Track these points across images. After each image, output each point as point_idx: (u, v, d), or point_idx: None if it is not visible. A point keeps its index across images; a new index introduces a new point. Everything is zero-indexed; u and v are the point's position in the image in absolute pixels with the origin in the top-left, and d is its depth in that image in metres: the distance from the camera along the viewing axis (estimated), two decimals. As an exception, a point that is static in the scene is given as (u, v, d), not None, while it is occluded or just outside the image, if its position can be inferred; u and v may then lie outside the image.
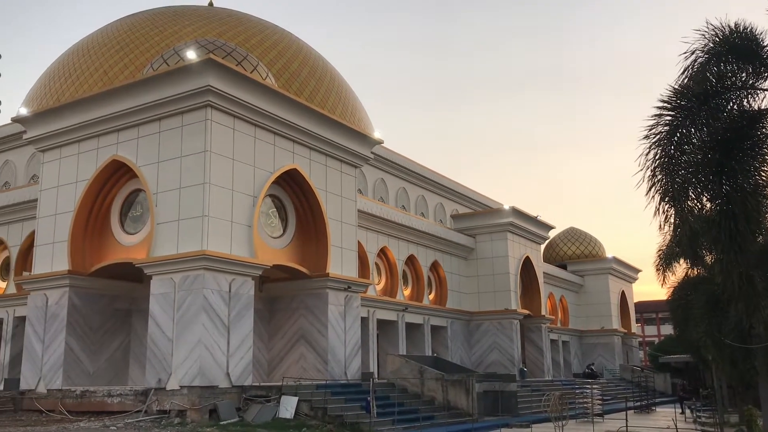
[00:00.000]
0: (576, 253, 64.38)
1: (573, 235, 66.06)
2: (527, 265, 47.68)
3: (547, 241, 56.24)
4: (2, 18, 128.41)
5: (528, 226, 47.77)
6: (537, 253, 49.88)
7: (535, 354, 48.50)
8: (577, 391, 35.39)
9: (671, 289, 26.57)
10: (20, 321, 30.56)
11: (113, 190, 27.47)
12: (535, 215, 49.02)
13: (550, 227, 51.52)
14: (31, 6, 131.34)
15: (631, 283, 70.44)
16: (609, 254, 64.59)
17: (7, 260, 33.63)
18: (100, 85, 35.17)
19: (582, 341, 62.82)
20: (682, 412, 34.16)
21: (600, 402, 32.04)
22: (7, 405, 26.54)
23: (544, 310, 49.70)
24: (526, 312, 46.33)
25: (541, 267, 50.31)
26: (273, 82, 29.84)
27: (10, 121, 34.78)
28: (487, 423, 26.53)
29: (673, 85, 12.90)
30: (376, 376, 33.01)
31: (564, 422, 24.32)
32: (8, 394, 27.00)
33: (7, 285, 33.22)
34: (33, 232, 29.74)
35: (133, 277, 27.03)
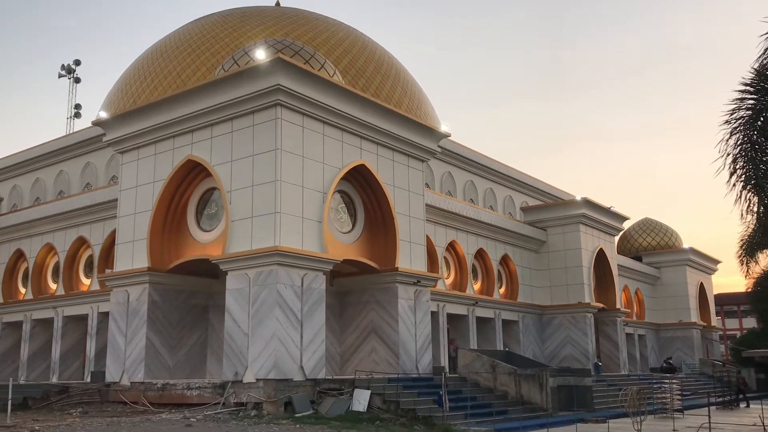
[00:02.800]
0: (651, 245, 62.53)
1: (648, 226, 64.18)
2: (601, 258, 46.61)
3: (621, 233, 54.81)
4: (81, 26, 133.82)
5: (601, 217, 46.68)
6: (611, 245, 48.69)
7: (610, 348, 47.39)
8: (655, 386, 34.37)
9: (754, 281, 25.51)
10: (104, 316, 31.87)
11: (189, 189, 28.28)
12: (609, 206, 47.85)
13: (624, 218, 50.20)
14: (107, 13, 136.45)
15: (710, 274, 67.90)
16: (686, 245, 62.42)
17: (90, 258, 35.13)
18: (173, 87, 36.28)
19: (659, 335, 61.02)
20: (747, 406, 32.98)
21: (679, 397, 31.02)
22: (94, 396, 27.77)
23: (619, 303, 48.47)
24: (600, 305, 45.30)
25: (615, 259, 49.09)
26: (340, 79, 30.10)
27: (90, 125, 36.33)
28: (562, 418, 26.09)
29: (754, 66, 12.32)
30: (447, 370, 32.95)
31: (642, 418, 23.69)
32: (95, 386, 28.25)
33: (91, 282, 34.69)
34: (114, 231, 30.92)
35: (209, 273, 27.80)
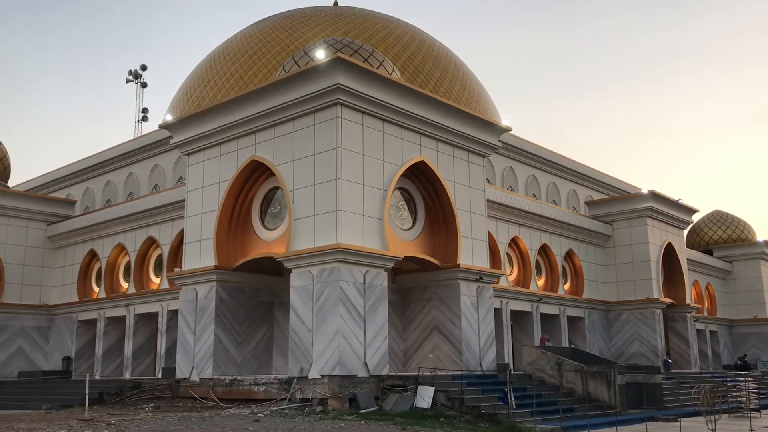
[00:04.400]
0: (723, 238, 60.42)
1: (719, 218, 62.02)
2: (669, 252, 45.31)
3: (690, 226, 53.17)
4: (147, 32, 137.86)
5: (669, 210, 45.36)
6: (680, 239, 47.28)
7: (680, 345, 46.03)
8: (729, 384, 33.22)
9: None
10: (173, 314, 32.78)
11: (253, 188, 28.79)
12: (677, 199, 46.46)
13: (693, 211, 48.66)
14: (171, 19, 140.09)
15: (787, 268, 65.15)
16: (760, 238, 60.06)
17: (159, 258, 36.18)
18: (236, 89, 37.00)
19: (732, 331, 58.92)
20: None
21: (756, 396, 29.88)
22: (165, 392, 28.61)
23: (689, 298, 47.02)
24: (669, 301, 44.04)
25: (684, 253, 47.63)
26: (399, 76, 30.11)
27: (157, 128, 37.40)
28: (632, 416, 25.48)
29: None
30: (512, 367, 32.61)
31: (717, 416, 22.92)
32: (166, 382, 29.09)
33: (160, 281, 35.74)
34: (182, 231, 31.75)
35: (274, 270, 28.24)
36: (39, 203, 41.90)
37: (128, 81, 60.15)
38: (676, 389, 32.58)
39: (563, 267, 41.08)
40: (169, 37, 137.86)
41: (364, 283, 24.99)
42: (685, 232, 50.82)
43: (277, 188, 27.94)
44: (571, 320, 40.57)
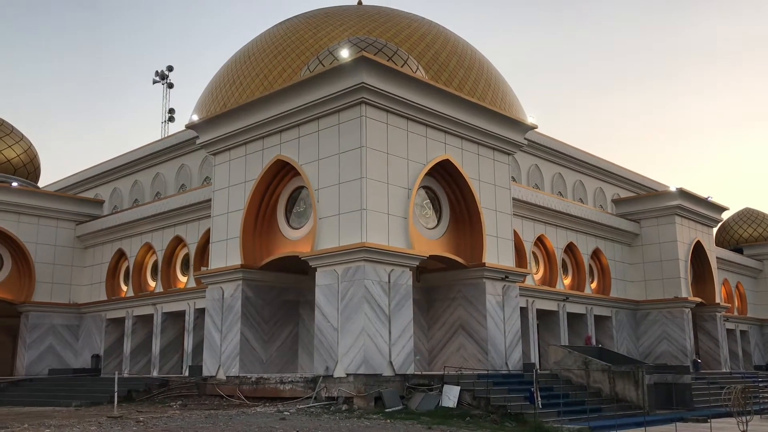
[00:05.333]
0: (753, 236, 59.38)
1: (749, 216, 60.97)
2: (698, 250, 44.67)
3: (719, 224, 52.36)
4: (172, 33, 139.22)
5: (698, 208, 44.72)
6: (709, 237, 46.59)
7: (710, 344, 45.36)
8: (761, 385, 32.68)
9: None
10: (200, 313, 33.05)
11: (278, 187, 28.92)
12: (706, 196, 45.78)
13: (722, 209, 47.90)
14: (196, 20, 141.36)
15: (820, 267, 63.85)
16: (792, 236, 58.95)
17: (186, 257, 36.51)
18: (261, 89, 37.21)
19: (763, 331, 57.90)
20: None
21: (788, 397, 29.40)
22: (192, 390, 28.87)
23: (719, 297, 46.31)
24: (698, 300, 43.42)
25: (713, 252, 46.93)
26: (423, 74, 30.04)
27: (183, 129, 37.74)
28: (660, 416, 25.18)
29: None
30: (538, 366, 32.38)
31: (748, 417, 22.54)
32: (193, 380, 29.36)
33: (187, 280, 36.06)
34: (208, 230, 31.99)
35: (299, 269, 28.35)
36: (68, 203, 42.53)
37: (155, 82, 60.77)
38: (706, 390, 32.14)
39: (590, 266, 40.71)
40: (195, 38, 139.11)
41: (389, 282, 24.97)
42: (715, 230, 50.07)
43: (302, 187, 28.03)
44: (598, 319, 40.18)
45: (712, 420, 24.22)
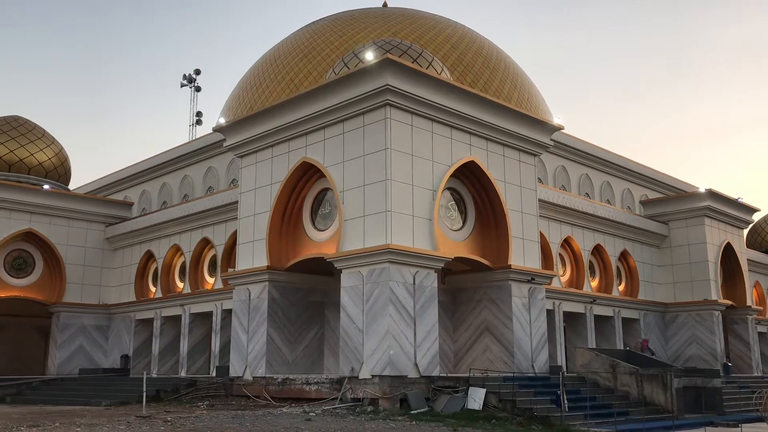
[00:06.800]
0: (786, 238, 58.29)
1: (781, 217, 59.87)
2: (728, 252, 43.99)
3: (750, 226, 51.51)
4: (199, 37, 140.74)
5: (728, 209, 44.04)
6: (739, 239, 45.86)
7: (741, 348, 44.61)
8: (794, 390, 32.03)
9: None
10: (227, 313, 33.36)
11: (304, 189, 29.09)
12: (736, 197, 45.08)
13: (753, 210, 47.11)
14: (223, 24, 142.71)
15: None
16: (826, 237, 57.73)
17: (213, 258, 36.88)
18: (287, 92, 37.47)
19: (796, 334, 56.78)
20: None
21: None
22: (219, 390, 29.14)
23: (750, 300, 45.56)
24: (729, 302, 42.76)
25: (744, 253, 46.17)
26: (448, 76, 30.01)
27: (211, 131, 38.13)
28: (689, 420, 24.83)
29: None
30: (565, 369, 32.14)
31: (779, 422, 22.16)
32: (220, 380, 29.63)
33: (214, 281, 36.42)
34: (235, 232, 32.29)
35: (325, 271, 28.47)
36: (98, 205, 43.19)
37: (183, 86, 61.47)
38: (737, 394, 31.62)
39: (617, 268, 40.31)
40: (222, 42, 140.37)
41: (414, 283, 24.99)
42: (745, 231, 49.29)
43: (327, 189, 28.16)
44: (626, 322, 39.76)
45: (743, 425, 23.82)
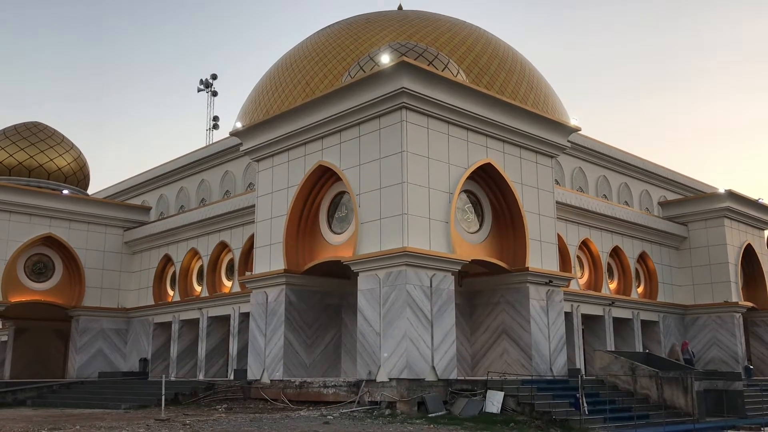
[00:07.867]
0: (808, 239, 57.51)
1: (803, 218, 59.07)
2: (749, 254, 43.49)
3: (771, 227, 50.89)
4: (216, 42, 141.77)
5: (748, 210, 43.55)
6: (760, 240, 45.31)
7: (763, 350, 44.05)
8: (817, 393, 31.58)
9: None
10: (245, 317, 33.46)
11: (320, 193, 29.14)
12: (756, 198, 44.57)
13: (774, 211, 46.56)
14: (239, 29, 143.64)
15: None
16: None
17: (231, 262, 37.04)
18: (303, 96, 37.60)
19: (819, 337, 55.95)
20: None
21: None
22: (237, 393, 29.24)
23: (772, 302, 44.95)
24: (750, 305, 42.25)
25: (765, 255, 45.59)
26: (464, 78, 29.94)
27: (227, 136, 38.34)
28: (710, 424, 24.56)
29: None
30: (584, 372, 31.91)
31: (803, 426, 21.85)
32: (238, 384, 29.73)
33: (232, 284, 36.57)
34: (252, 236, 32.39)
35: (342, 274, 28.49)
36: (116, 210, 43.54)
37: (199, 90, 61.93)
38: (759, 397, 31.22)
39: (636, 269, 39.99)
40: (239, 47, 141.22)
41: (431, 286, 24.93)
42: (767, 233, 48.71)
43: (343, 192, 28.19)
44: (645, 324, 39.42)
45: (766, 429, 23.54)
